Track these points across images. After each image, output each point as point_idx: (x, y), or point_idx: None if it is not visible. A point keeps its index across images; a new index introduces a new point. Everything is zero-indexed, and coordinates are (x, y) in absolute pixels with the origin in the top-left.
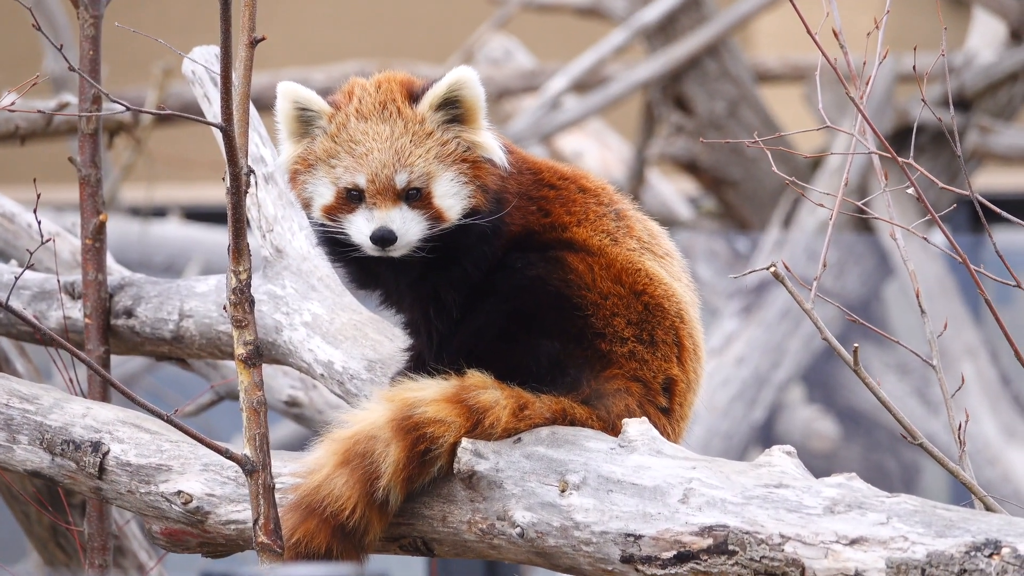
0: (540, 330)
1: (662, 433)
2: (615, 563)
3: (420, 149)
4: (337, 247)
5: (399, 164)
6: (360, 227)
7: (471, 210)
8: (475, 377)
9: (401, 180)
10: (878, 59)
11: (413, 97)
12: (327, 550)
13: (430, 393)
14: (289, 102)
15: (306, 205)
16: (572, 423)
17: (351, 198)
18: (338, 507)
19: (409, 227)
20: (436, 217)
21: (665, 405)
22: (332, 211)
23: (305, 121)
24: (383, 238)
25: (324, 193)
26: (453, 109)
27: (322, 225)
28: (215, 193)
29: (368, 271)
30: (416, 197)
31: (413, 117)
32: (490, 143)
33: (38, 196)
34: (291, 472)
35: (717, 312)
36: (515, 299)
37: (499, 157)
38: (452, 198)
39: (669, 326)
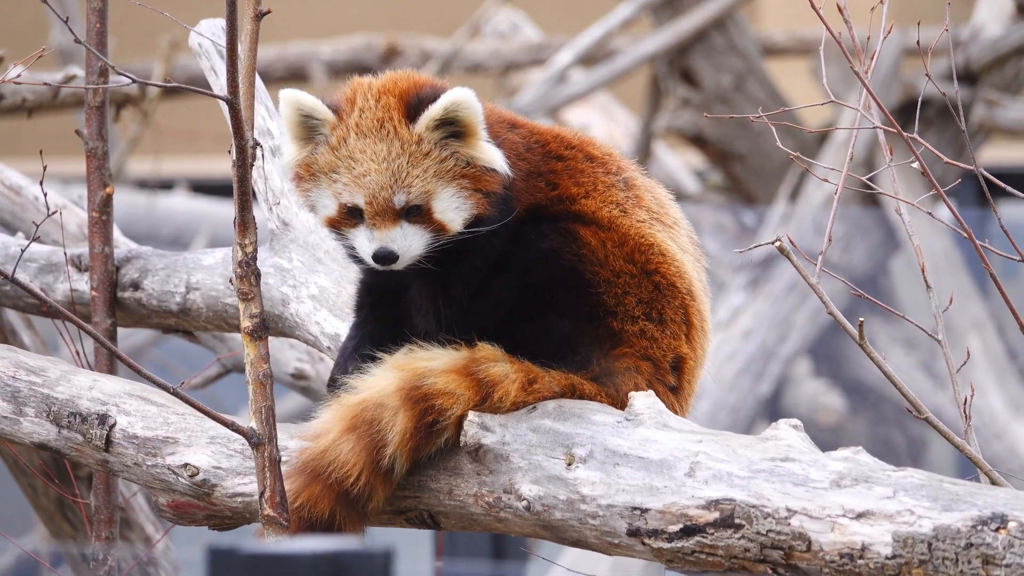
0: (552, 307)
1: (670, 411)
2: (621, 536)
3: (417, 169)
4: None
5: (397, 185)
6: (362, 245)
7: (475, 218)
8: (486, 350)
9: (399, 200)
10: (883, 33)
11: (411, 114)
12: (331, 516)
13: (440, 364)
14: (293, 109)
15: (311, 210)
16: (581, 399)
17: (352, 214)
18: (343, 473)
19: (411, 243)
20: (438, 230)
21: (674, 384)
22: (335, 223)
23: (309, 127)
24: (385, 257)
25: (327, 205)
26: (450, 127)
27: (327, 231)
28: (222, 166)
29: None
30: (416, 213)
31: (409, 137)
32: (490, 155)
33: (44, 168)
34: (297, 435)
35: (724, 286)
36: (528, 274)
37: (500, 167)
38: (453, 212)
39: (679, 305)
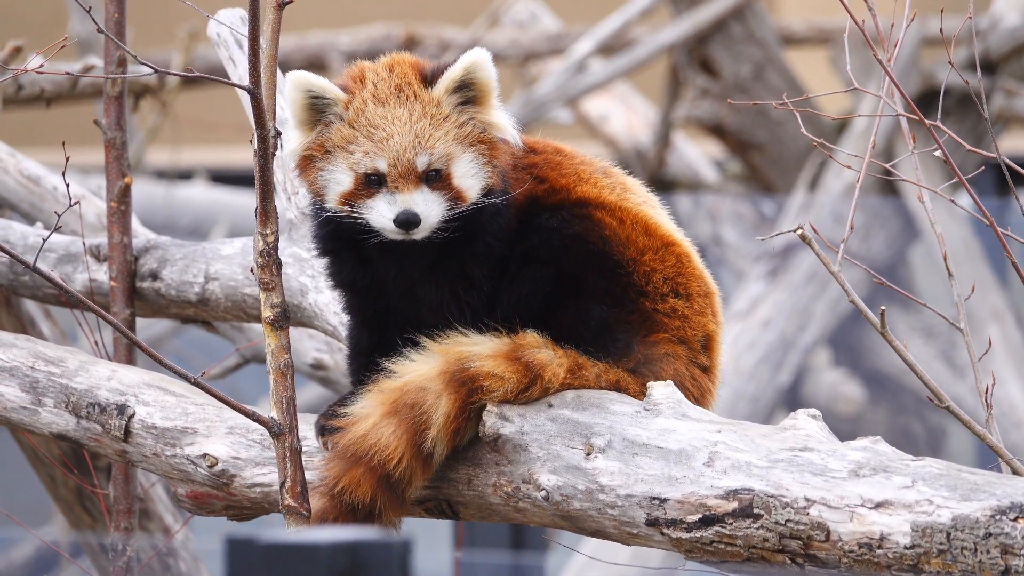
0: (587, 293)
1: (704, 392)
2: (640, 526)
3: (439, 132)
4: (349, 236)
5: (420, 147)
6: (382, 211)
7: (488, 189)
8: (529, 336)
9: (422, 163)
10: (905, 21)
11: (426, 80)
12: (372, 500)
13: (485, 348)
14: (301, 91)
15: (318, 194)
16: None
17: (370, 183)
18: (385, 456)
19: (431, 209)
20: (456, 198)
21: (706, 364)
22: (351, 197)
23: (317, 110)
24: (407, 221)
25: (342, 180)
26: (467, 91)
27: (335, 212)
28: (241, 156)
29: (366, 263)
30: (436, 179)
31: (430, 100)
32: (503, 122)
33: (67, 159)
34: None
35: (743, 275)
36: (557, 262)
37: (512, 136)
38: (471, 178)
39: (699, 276)
